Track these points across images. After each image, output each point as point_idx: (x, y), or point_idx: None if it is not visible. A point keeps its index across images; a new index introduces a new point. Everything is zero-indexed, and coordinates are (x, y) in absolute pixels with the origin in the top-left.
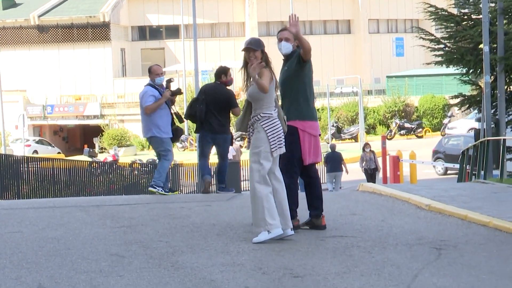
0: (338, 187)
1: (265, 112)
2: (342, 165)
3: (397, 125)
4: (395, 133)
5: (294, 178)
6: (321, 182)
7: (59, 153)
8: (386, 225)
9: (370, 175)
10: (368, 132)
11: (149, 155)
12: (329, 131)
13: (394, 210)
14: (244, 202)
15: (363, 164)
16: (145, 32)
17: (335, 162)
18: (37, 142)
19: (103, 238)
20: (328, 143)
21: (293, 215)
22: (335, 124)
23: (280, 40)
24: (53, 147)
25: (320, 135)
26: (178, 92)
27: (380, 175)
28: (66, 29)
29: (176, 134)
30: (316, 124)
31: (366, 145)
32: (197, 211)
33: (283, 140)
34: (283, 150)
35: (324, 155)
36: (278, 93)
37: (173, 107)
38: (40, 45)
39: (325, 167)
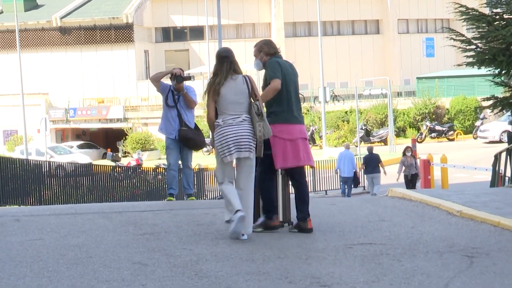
0: (377, 189)
1: (216, 121)
2: (380, 167)
3: (428, 127)
4: (425, 136)
5: (266, 180)
6: (361, 184)
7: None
8: (416, 232)
9: (410, 181)
10: (397, 135)
11: None
12: (357, 134)
13: (424, 216)
14: None
15: (403, 170)
16: (169, 34)
17: (372, 164)
18: (81, 147)
19: (125, 246)
20: (357, 146)
21: (269, 216)
22: (363, 127)
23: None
24: (98, 148)
25: (307, 139)
26: (187, 78)
27: (419, 182)
28: (89, 31)
29: (185, 137)
30: (290, 127)
31: (407, 148)
32: (221, 218)
33: (233, 147)
34: (230, 157)
35: (362, 158)
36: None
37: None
38: (63, 47)
39: (362, 170)
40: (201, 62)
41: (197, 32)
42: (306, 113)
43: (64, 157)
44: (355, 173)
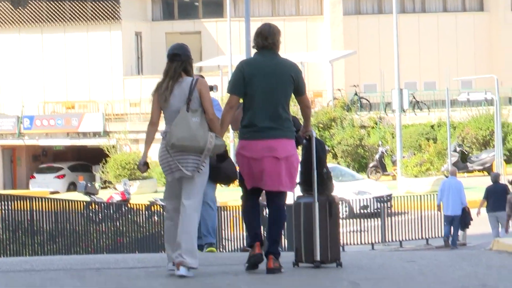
0: (503, 233)
1: (162, 131)
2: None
3: None
4: None
5: (244, 203)
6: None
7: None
8: None
9: None
10: (508, 161)
11: None
12: (449, 159)
13: None
14: (309, 277)
15: (508, 211)
16: (172, 8)
17: (498, 198)
18: (73, 169)
19: None
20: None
21: (249, 243)
22: (458, 148)
23: None
24: (91, 170)
25: (284, 157)
26: (209, 89)
27: None
28: (54, 3)
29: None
30: (253, 144)
31: None
32: (246, 280)
33: (172, 165)
34: (171, 176)
35: (485, 189)
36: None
37: None
38: (14, 26)
39: (482, 206)
40: (219, 50)
41: (213, 7)
42: (373, 127)
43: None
44: (463, 210)
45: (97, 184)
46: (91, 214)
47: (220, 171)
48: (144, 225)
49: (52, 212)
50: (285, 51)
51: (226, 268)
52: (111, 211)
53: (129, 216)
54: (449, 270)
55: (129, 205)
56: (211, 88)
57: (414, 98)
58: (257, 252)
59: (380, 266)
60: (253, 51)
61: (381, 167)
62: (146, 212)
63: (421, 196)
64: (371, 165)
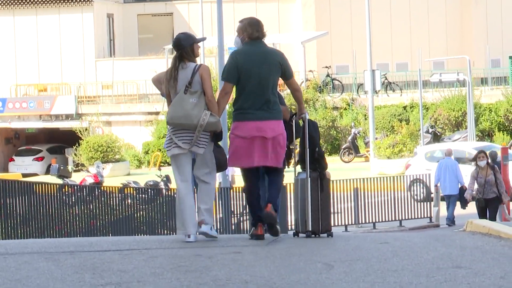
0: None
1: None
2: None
3: None
4: None
5: (246, 185)
6: None
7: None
8: (508, 285)
9: (484, 208)
10: (481, 141)
11: (149, 175)
12: (421, 140)
13: None
14: (291, 248)
15: (474, 190)
16: None
17: None
18: (53, 151)
19: None
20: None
21: (253, 223)
22: (431, 130)
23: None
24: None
25: (273, 137)
26: None
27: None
28: None
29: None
30: (243, 124)
31: (480, 155)
32: (220, 261)
33: (171, 144)
34: (170, 152)
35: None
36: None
37: None
38: None
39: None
40: (191, 31)
41: None
42: (346, 109)
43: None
44: (461, 188)
45: (70, 167)
46: (63, 197)
47: (217, 161)
48: (118, 208)
49: (25, 195)
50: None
51: (201, 251)
52: (84, 194)
53: (103, 199)
54: (422, 252)
55: (102, 187)
56: None
57: (386, 79)
58: (259, 233)
59: (354, 247)
60: (229, 36)
61: (354, 148)
62: (119, 194)
63: (394, 178)
64: (344, 146)
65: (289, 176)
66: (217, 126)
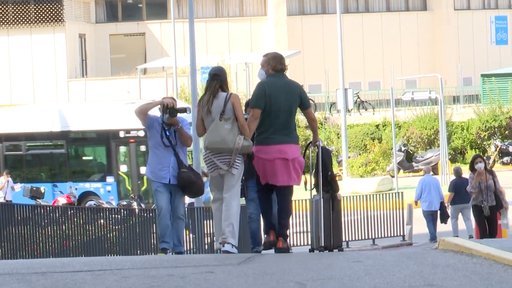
0: (470, 226)
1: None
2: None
3: (498, 148)
4: (494, 161)
5: (260, 197)
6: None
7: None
8: None
9: (486, 218)
10: (453, 160)
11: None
12: (394, 159)
13: (492, 279)
14: (264, 267)
15: (473, 198)
16: (116, 10)
17: (463, 190)
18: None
19: None
20: (393, 176)
21: (265, 231)
22: (403, 148)
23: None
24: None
25: (291, 159)
26: (182, 110)
27: (504, 220)
28: None
29: (189, 181)
30: (267, 148)
31: (477, 159)
32: (193, 281)
33: (212, 166)
34: (214, 173)
35: (450, 183)
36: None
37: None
38: None
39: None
40: (163, 51)
41: (157, 9)
42: (319, 128)
43: None
44: (441, 204)
45: (43, 188)
46: (36, 218)
47: (197, 186)
48: (90, 228)
49: None
50: (229, 52)
51: (173, 271)
52: (57, 215)
53: (75, 219)
54: (395, 270)
55: (74, 208)
56: (184, 110)
57: (358, 98)
58: (272, 239)
59: (327, 266)
60: (201, 56)
61: None
62: (92, 215)
63: (367, 196)
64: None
65: (298, 192)
66: (249, 149)
